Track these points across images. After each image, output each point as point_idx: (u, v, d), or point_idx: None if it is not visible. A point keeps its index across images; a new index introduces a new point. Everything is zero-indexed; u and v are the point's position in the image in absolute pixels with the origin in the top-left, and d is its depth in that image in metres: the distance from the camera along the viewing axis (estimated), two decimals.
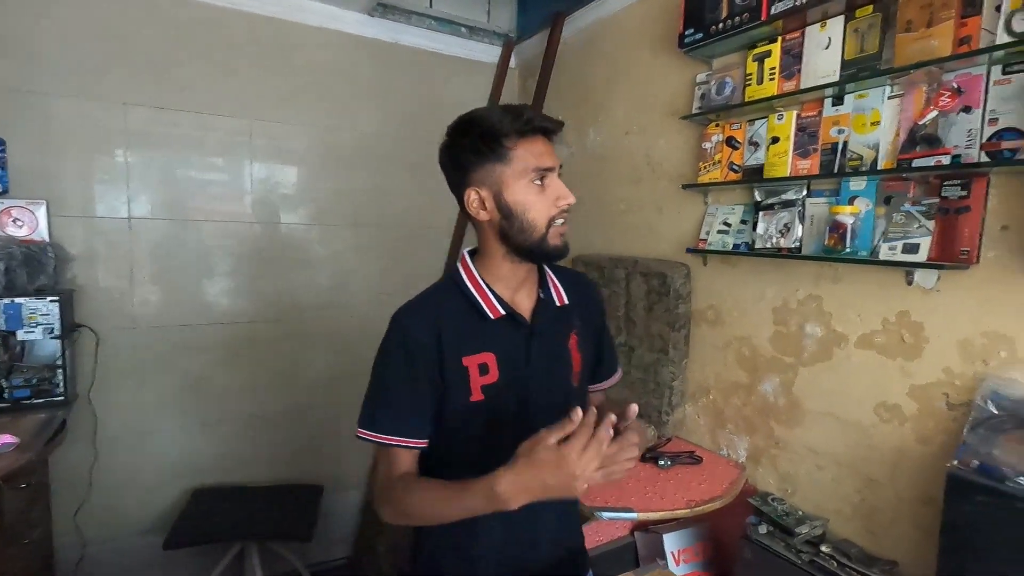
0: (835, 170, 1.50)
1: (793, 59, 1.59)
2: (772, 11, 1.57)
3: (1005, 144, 1.19)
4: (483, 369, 0.91)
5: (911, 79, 1.34)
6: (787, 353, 1.69)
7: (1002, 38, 1.16)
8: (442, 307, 0.92)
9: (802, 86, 1.56)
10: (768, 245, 1.66)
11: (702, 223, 1.92)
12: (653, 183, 2.16)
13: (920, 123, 1.32)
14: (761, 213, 1.70)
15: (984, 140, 1.22)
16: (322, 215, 2.61)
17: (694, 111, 1.90)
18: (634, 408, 0.80)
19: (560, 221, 0.92)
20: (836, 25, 1.49)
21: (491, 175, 0.89)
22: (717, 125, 1.85)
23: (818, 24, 1.53)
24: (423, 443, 0.91)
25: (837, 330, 1.55)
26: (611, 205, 2.38)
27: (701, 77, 1.90)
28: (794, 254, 1.59)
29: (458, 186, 0.93)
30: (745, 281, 1.81)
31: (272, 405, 2.57)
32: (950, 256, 1.28)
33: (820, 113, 1.55)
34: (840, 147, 1.49)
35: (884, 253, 1.38)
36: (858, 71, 1.44)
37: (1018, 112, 1.17)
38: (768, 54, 1.66)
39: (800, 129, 1.60)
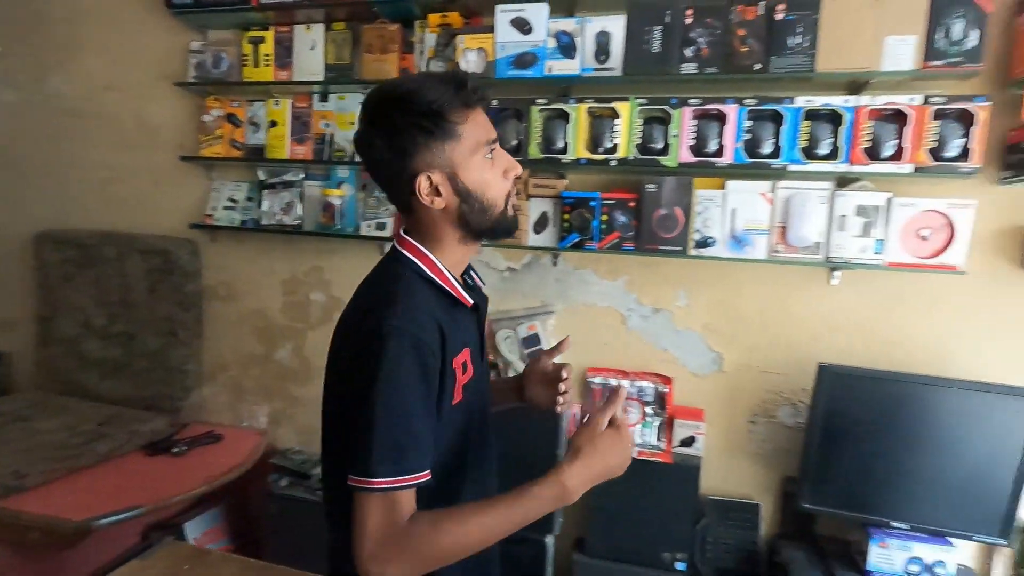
0: (325, 158, 1.74)
1: (285, 51, 1.74)
2: (262, 0, 1.67)
3: None
4: (464, 367, 0.83)
5: None
6: (297, 320, 1.88)
7: None
8: (432, 305, 0.79)
9: (294, 78, 1.73)
10: (273, 222, 1.78)
11: (208, 198, 1.88)
12: (149, 152, 1.94)
13: None
14: (265, 192, 1.80)
15: None
16: None
17: (190, 79, 1.82)
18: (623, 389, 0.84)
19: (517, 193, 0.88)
20: (319, 31, 1.72)
21: (441, 156, 0.78)
22: (217, 99, 1.83)
23: (304, 26, 1.72)
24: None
25: (336, 295, 1.84)
26: (91, 172, 2.01)
27: (195, 46, 1.83)
28: (297, 230, 1.77)
29: (398, 174, 0.79)
30: (256, 256, 1.89)
31: None
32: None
33: (311, 106, 1.76)
34: (328, 139, 1.74)
35: (364, 229, 1.72)
36: (338, 76, 1.71)
37: None
38: (263, 40, 1.75)
39: (295, 117, 1.77)
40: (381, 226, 1.71)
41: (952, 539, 1.33)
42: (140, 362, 1.87)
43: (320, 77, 1.72)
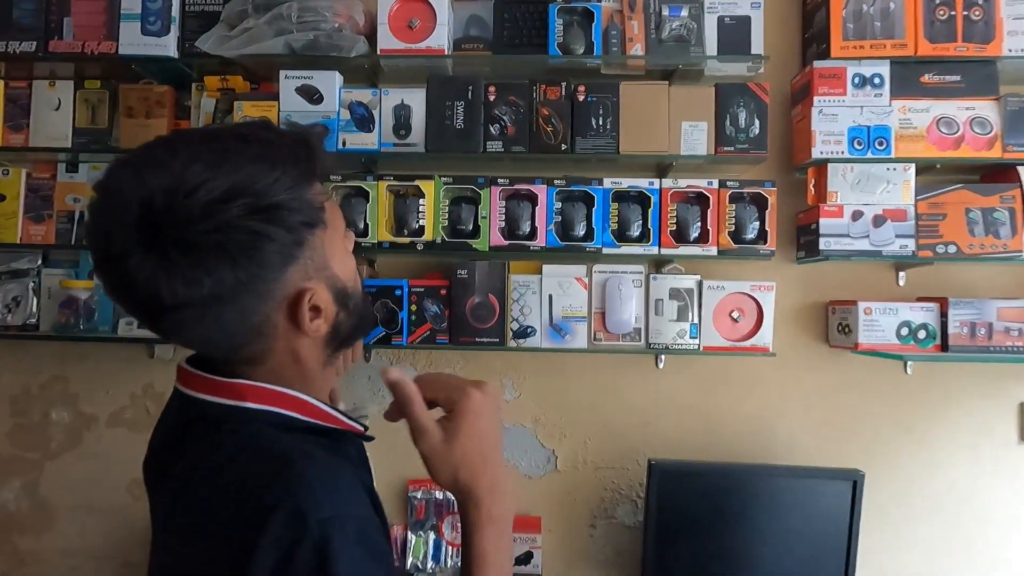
0: (72, 241, 1.39)
1: (21, 110, 1.40)
2: None
3: None
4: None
5: None
6: (31, 448, 1.44)
7: None
8: (335, 461, 0.54)
9: (32, 143, 1.39)
10: None
11: None
12: None
13: None
14: None
15: None
16: None
17: None
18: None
19: None
20: (67, 89, 1.40)
21: (314, 255, 0.53)
22: None
23: (47, 82, 1.40)
24: None
25: (86, 412, 1.44)
26: None
27: None
28: (29, 332, 1.38)
29: (254, 308, 0.51)
30: None
31: None
32: None
33: (55, 177, 1.42)
34: (78, 217, 1.40)
35: (123, 329, 1.37)
36: (90, 142, 1.40)
37: None
38: None
39: (32, 190, 1.41)
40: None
41: None
42: None
43: (67, 143, 1.39)
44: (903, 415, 1.36)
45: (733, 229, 1.25)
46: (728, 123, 1.25)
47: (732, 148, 1.25)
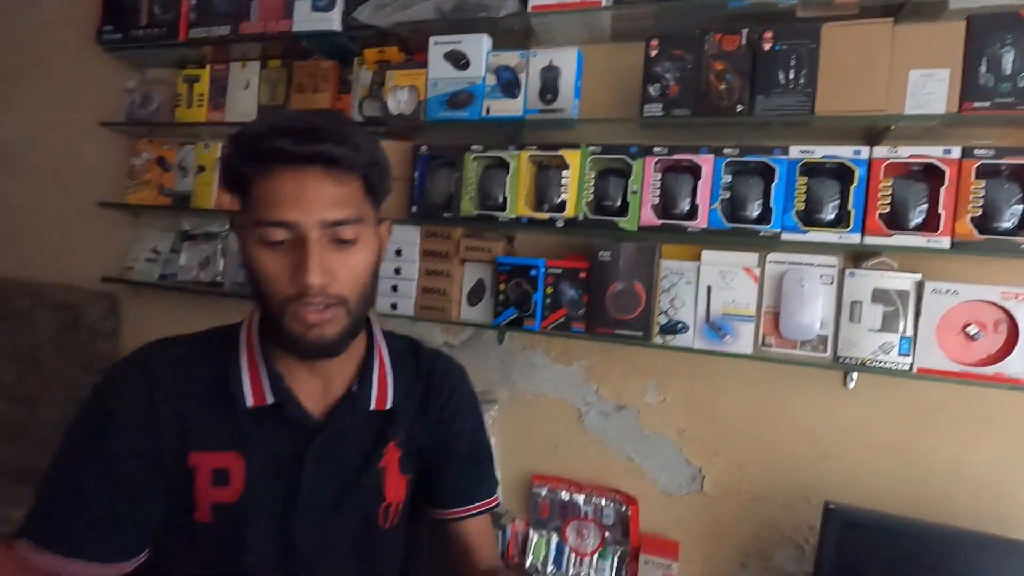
0: None
1: (220, 90, 1.57)
2: (191, 35, 1.51)
3: None
4: (219, 477, 0.63)
5: None
6: None
7: (356, 117, 1.40)
8: (184, 372, 0.64)
9: (227, 119, 1.55)
10: (189, 278, 1.57)
11: (130, 248, 1.69)
12: (68, 195, 1.80)
13: None
14: (186, 243, 1.60)
15: None
16: None
17: (122, 120, 1.67)
18: None
19: (310, 306, 0.58)
20: (254, 69, 1.54)
21: (241, 216, 0.63)
22: (150, 141, 1.67)
23: (240, 63, 1.55)
24: (125, 568, 0.60)
25: None
26: (16, 216, 1.87)
27: (130, 84, 1.68)
28: (215, 289, 1.55)
29: None
30: (178, 316, 1.67)
31: None
32: None
33: None
34: None
35: None
36: None
37: None
38: (198, 79, 1.59)
39: None
40: None
41: None
42: (39, 430, 1.65)
43: (252, 118, 1.53)
44: None
45: (980, 214, 0.92)
46: (984, 69, 0.92)
47: (988, 103, 0.92)
